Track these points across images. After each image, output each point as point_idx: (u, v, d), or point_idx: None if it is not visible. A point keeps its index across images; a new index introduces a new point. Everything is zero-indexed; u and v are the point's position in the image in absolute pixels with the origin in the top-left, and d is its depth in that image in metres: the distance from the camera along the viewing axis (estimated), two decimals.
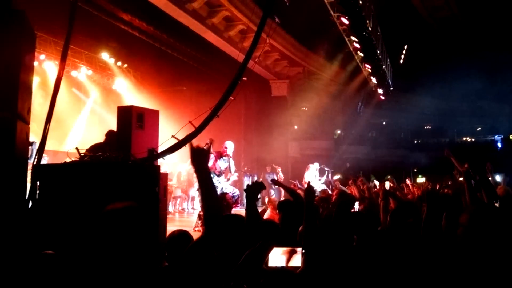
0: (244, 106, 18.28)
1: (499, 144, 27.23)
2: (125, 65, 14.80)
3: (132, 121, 5.45)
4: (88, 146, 5.87)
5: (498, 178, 6.61)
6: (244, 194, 3.05)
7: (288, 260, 2.57)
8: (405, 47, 23.14)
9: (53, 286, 2.07)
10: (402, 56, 23.16)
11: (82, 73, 13.65)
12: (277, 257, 2.56)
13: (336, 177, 13.06)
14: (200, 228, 8.28)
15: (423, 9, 23.57)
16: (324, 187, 12.36)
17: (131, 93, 15.06)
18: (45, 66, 12.48)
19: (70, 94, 13.80)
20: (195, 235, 3.07)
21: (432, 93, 24.66)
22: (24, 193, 4.47)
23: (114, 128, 5.88)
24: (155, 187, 4.93)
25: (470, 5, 22.69)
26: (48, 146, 5.45)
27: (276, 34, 13.27)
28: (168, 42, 14.07)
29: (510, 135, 27.76)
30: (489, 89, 23.99)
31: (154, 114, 5.96)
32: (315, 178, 12.65)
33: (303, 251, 2.57)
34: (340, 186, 9.82)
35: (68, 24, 5.06)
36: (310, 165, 12.62)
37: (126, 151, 5.24)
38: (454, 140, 28.09)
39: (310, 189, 2.95)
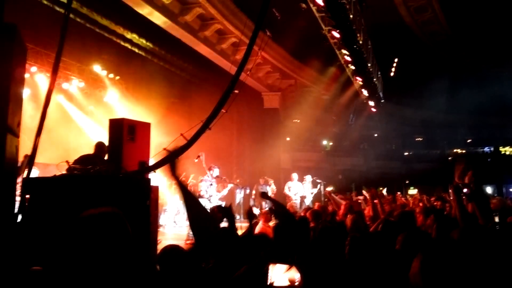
0: (236, 118, 18.30)
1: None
2: (117, 77, 14.77)
3: (124, 133, 5.45)
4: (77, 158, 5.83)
5: (488, 191, 6.62)
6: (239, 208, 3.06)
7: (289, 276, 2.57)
8: (396, 60, 23.40)
9: None
10: (393, 69, 23.40)
11: (74, 85, 13.59)
12: (279, 275, 2.56)
13: (329, 188, 13.09)
14: (192, 241, 8.22)
15: (413, 23, 23.92)
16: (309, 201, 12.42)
17: (122, 105, 15.01)
18: (37, 78, 12.42)
19: (61, 106, 13.72)
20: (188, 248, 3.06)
21: (423, 105, 24.93)
22: (13, 207, 4.41)
23: (104, 140, 5.85)
24: (146, 200, 4.90)
25: (459, 19, 23.07)
26: (38, 159, 5.40)
27: (268, 47, 13.37)
28: (160, 54, 14.12)
29: (500, 147, 28.05)
30: (480, 101, 24.30)
31: (146, 126, 5.96)
32: (305, 190, 12.69)
33: (299, 266, 2.56)
34: (333, 197, 9.81)
35: (60, 37, 5.05)
36: (294, 175, 12.82)
37: (117, 164, 5.21)
38: (445, 152, 28.32)
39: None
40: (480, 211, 3.80)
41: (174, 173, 2.88)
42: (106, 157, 6.09)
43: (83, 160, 5.72)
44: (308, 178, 13.01)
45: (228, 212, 2.97)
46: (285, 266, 2.59)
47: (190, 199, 2.75)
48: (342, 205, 6.35)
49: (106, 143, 5.99)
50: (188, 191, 2.76)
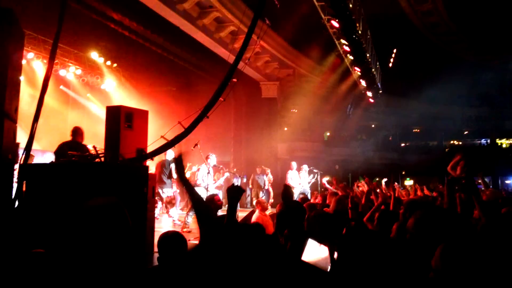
0: (234, 107, 18.28)
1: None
2: (115, 65, 14.70)
3: (121, 121, 5.44)
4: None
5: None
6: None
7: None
8: (394, 50, 23.35)
9: (43, 285, 2.06)
10: (391, 60, 23.35)
11: (71, 72, 13.54)
12: (310, 251, 2.62)
13: (325, 179, 13.14)
14: (189, 229, 8.28)
15: (412, 13, 23.82)
16: (307, 189, 12.47)
17: (120, 92, 14.97)
18: (34, 65, 12.36)
19: (58, 93, 13.67)
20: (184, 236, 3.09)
21: (421, 97, 24.92)
22: (11, 192, 4.42)
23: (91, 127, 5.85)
24: (143, 188, 4.92)
25: (460, 10, 22.98)
26: (35, 146, 5.41)
27: (266, 36, 13.29)
28: (158, 42, 14.02)
29: (497, 139, 28.17)
30: (477, 93, 24.35)
31: (143, 114, 5.94)
32: (302, 179, 12.72)
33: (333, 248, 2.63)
34: (329, 186, 9.88)
35: (58, 23, 5.02)
36: (292, 163, 12.84)
37: (115, 151, 5.21)
38: (442, 143, 28.42)
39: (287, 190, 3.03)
40: (478, 203, 3.81)
41: (180, 173, 2.91)
42: (83, 142, 6.19)
43: (64, 147, 5.74)
44: (305, 167, 13.05)
45: (236, 192, 2.97)
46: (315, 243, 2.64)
47: (196, 198, 2.82)
48: (327, 194, 6.41)
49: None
50: (194, 191, 2.82)
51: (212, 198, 5.99)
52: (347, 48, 13.44)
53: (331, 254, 2.62)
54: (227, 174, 10.90)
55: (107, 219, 1.82)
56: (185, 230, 8.20)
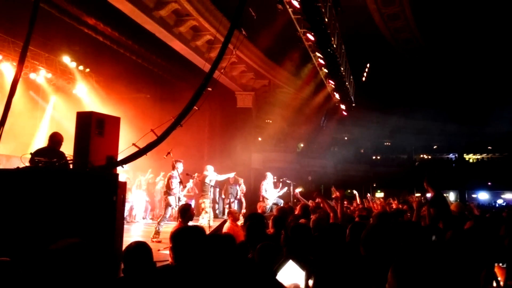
0: (209, 116, 18.21)
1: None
2: (87, 70, 14.42)
3: (92, 127, 5.31)
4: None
5: (452, 196, 6.82)
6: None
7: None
8: (368, 65, 23.82)
9: None
10: (365, 74, 23.81)
11: (41, 76, 13.19)
12: (290, 275, 2.58)
13: (298, 190, 13.17)
14: (159, 239, 8.13)
15: (386, 29, 24.40)
16: (280, 200, 12.43)
17: (92, 98, 14.66)
18: (2, 67, 12.00)
19: (27, 97, 13.28)
20: (153, 246, 3.02)
21: (392, 111, 25.48)
22: None
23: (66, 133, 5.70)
24: (112, 196, 4.80)
25: (430, 28, 23.70)
26: (1, 150, 5.21)
27: (243, 46, 13.35)
28: (133, 48, 13.85)
29: (464, 154, 29.03)
30: (446, 109, 25.05)
31: (115, 121, 5.82)
32: (273, 188, 12.68)
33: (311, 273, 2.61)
34: (301, 198, 9.95)
35: (29, 25, 4.89)
36: (268, 174, 12.71)
37: (84, 158, 5.08)
38: (412, 157, 29.08)
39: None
40: (442, 219, 3.93)
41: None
42: (61, 148, 5.99)
43: (41, 152, 5.54)
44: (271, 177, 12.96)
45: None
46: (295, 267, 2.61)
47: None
48: (298, 206, 6.45)
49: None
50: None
51: (188, 208, 5.93)
52: (322, 61, 13.62)
53: (307, 278, 2.60)
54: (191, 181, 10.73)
55: (71, 261, 1.80)
56: (154, 240, 8.06)
